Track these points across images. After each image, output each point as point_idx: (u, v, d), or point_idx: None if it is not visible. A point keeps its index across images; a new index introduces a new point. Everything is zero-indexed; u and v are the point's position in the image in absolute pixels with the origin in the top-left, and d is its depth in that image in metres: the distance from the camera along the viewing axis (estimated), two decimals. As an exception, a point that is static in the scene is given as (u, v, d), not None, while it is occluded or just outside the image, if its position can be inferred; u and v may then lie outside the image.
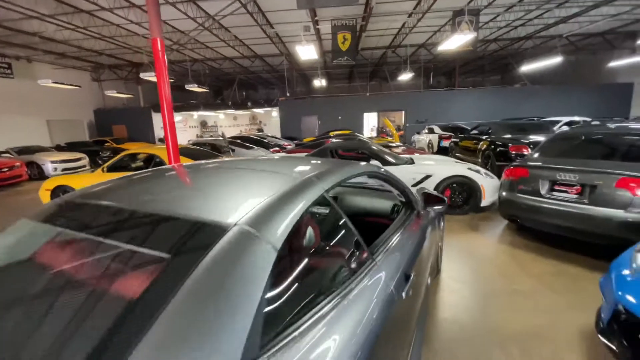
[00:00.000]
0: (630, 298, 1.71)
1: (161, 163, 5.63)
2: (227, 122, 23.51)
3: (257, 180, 1.33)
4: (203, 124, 25.06)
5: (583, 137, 3.85)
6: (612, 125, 3.96)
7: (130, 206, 1.10)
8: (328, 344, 0.86)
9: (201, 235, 0.89)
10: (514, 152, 6.62)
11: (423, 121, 15.86)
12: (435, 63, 18.60)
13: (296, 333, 0.82)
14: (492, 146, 7.45)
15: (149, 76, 10.64)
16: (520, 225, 4.12)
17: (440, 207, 2.22)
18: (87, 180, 5.62)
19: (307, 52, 8.36)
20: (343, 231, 1.34)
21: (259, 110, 22.36)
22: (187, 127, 22.79)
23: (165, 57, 4.98)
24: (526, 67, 15.08)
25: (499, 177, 4.41)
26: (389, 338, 1.16)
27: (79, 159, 11.65)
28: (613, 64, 14.78)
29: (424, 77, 19.35)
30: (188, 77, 15.65)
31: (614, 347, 1.79)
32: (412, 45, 14.90)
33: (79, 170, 11.23)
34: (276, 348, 0.75)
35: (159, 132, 19.44)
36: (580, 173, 3.25)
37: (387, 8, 10.07)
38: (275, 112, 21.76)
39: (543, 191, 3.50)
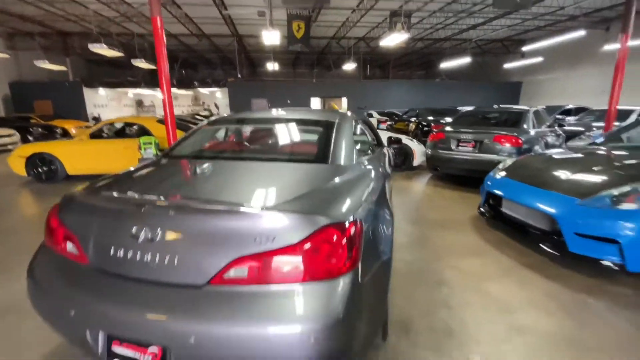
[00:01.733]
0: (489, 183, 3.39)
1: (147, 133, 6.06)
2: (167, 102, 22.65)
3: None
4: (139, 103, 23.65)
5: (475, 115, 5.87)
6: (491, 108, 6.07)
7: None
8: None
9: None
10: (435, 130, 8.68)
11: (363, 107, 17.79)
12: (373, 56, 20.67)
13: None
14: (420, 126, 9.50)
15: (99, 48, 10.29)
16: (440, 174, 5.95)
17: (398, 145, 3.65)
18: (68, 147, 5.86)
19: (271, 37, 9.25)
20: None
21: (203, 91, 22.06)
22: (121, 105, 21.38)
23: (164, 36, 5.43)
24: (445, 65, 17.94)
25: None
26: (381, 203, 2.36)
27: (10, 135, 10.82)
28: (507, 65, 18.47)
29: (362, 68, 21.32)
30: (134, 52, 14.94)
31: (485, 213, 3.47)
32: (354, 38, 16.54)
33: (8, 146, 10.42)
34: None
35: (92, 109, 18.08)
36: (474, 134, 5.09)
37: (336, 2, 11.39)
38: (219, 93, 21.73)
39: (453, 147, 5.28)
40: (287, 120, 2.45)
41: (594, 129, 7.73)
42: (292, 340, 1.01)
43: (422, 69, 27.81)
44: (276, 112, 2.57)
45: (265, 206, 1.17)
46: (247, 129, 2.80)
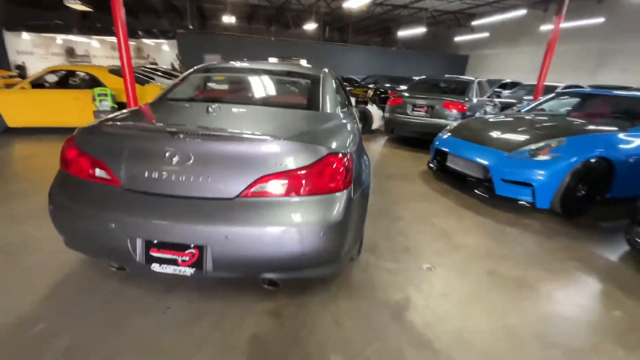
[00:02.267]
0: (437, 142, 3.96)
1: (98, 84, 5.63)
2: (104, 51, 20.18)
3: None
4: (69, 52, 20.74)
5: (429, 83, 6.44)
6: (442, 77, 6.66)
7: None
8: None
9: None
10: (392, 96, 9.20)
11: (322, 71, 17.73)
12: (332, 17, 20.24)
13: None
14: (378, 92, 9.94)
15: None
16: (395, 137, 6.52)
17: (363, 106, 4.01)
18: (8, 97, 5.27)
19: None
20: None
21: (148, 42, 20.00)
22: (49, 53, 18.60)
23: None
24: (401, 33, 18.36)
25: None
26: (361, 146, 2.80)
27: None
28: (458, 38, 19.45)
29: (322, 30, 20.87)
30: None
31: (433, 167, 4.06)
32: (314, -5, 16.00)
33: None
34: None
35: (14, 56, 15.58)
36: (426, 100, 5.65)
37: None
38: (166, 46, 19.89)
39: (409, 112, 5.81)
40: (279, 72, 2.66)
41: (524, 101, 8.85)
42: (307, 234, 1.37)
43: (379, 35, 27.97)
44: (266, 64, 2.76)
45: (283, 137, 1.45)
46: (240, 78, 2.92)
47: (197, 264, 1.40)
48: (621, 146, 3.13)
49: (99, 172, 1.48)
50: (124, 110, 1.89)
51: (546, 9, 15.90)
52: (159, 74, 7.66)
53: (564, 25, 7.09)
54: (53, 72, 5.77)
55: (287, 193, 1.40)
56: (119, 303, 1.73)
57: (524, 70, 16.65)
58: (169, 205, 1.39)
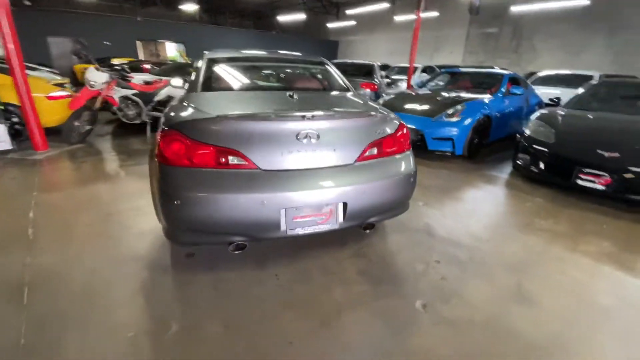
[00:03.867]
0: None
1: None
2: None
3: None
4: None
5: (338, 66, 7.31)
6: (350, 62, 7.67)
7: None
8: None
9: None
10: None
11: (205, 56, 16.70)
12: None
13: None
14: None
15: None
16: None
17: None
18: None
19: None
20: None
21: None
22: None
23: None
24: (279, 18, 18.90)
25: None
26: None
27: None
28: (330, 25, 21.31)
29: (200, 11, 19.32)
30: None
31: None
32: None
33: None
34: None
35: None
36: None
37: None
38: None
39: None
40: (294, 60, 2.94)
41: (400, 81, 10.95)
42: (403, 181, 1.95)
43: (251, 19, 27.69)
44: (270, 53, 3.00)
45: (374, 112, 1.93)
46: (262, 68, 2.98)
47: (332, 220, 1.79)
48: (493, 106, 4.72)
49: (231, 159, 1.63)
50: (184, 104, 1.94)
51: (394, 1, 19.14)
52: None
53: (410, 17, 9.10)
54: None
55: (386, 154, 1.94)
56: (234, 284, 1.91)
57: (380, 55, 19.77)
58: (305, 177, 1.71)
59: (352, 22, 20.62)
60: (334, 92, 2.54)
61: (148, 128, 5.24)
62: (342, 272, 2.04)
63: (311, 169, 1.74)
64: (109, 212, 2.68)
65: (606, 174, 3.06)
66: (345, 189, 1.76)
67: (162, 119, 1.84)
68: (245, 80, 2.66)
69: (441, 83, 6.52)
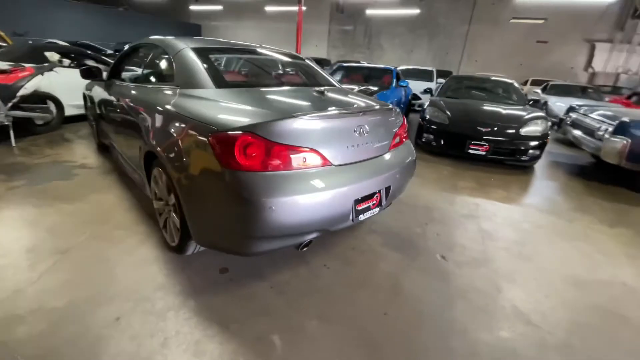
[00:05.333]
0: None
1: None
2: None
3: None
4: None
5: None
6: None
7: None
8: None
9: None
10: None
11: (23, 33, 12.55)
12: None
13: None
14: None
15: None
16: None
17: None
18: None
19: None
20: None
21: None
22: None
23: None
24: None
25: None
26: None
27: None
28: (192, 7, 19.38)
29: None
30: None
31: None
32: None
33: None
34: None
35: None
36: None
37: None
38: None
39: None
40: (284, 55, 2.82)
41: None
42: (414, 162, 2.30)
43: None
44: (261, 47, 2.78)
45: (386, 106, 2.20)
46: (255, 61, 2.74)
47: (379, 203, 1.98)
48: (391, 96, 5.66)
49: (310, 158, 1.60)
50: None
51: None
52: None
53: (281, 9, 9.56)
54: None
55: (401, 141, 2.25)
56: (294, 283, 1.90)
57: (251, 42, 19.60)
58: (365, 168, 1.84)
59: (219, 7, 19.44)
60: (338, 87, 2.62)
61: (11, 132, 3.87)
62: (371, 249, 2.30)
63: (367, 159, 1.90)
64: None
65: (485, 144, 4.33)
66: (389, 174, 1.99)
67: (200, 120, 1.61)
68: (262, 76, 2.54)
69: (337, 77, 7.24)
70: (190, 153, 1.63)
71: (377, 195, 1.96)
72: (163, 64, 2.44)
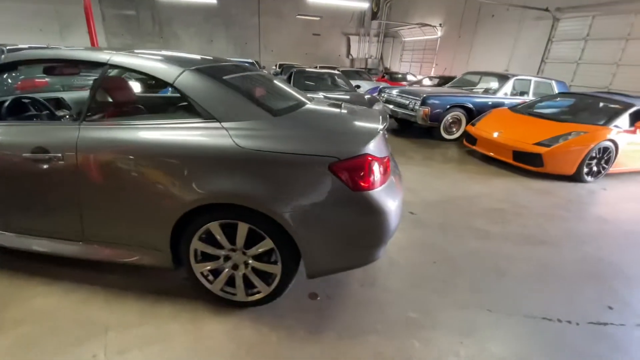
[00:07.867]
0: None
1: None
2: None
3: None
4: None
5: None
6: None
7: None
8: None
9: None
10: None
11: None
12: None
13: None
14: None
15: None
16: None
17: None
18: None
19: None
20: None
21: None
22: None
23: None
24: None
25: None
26: None
27: None
28: None
29: None
30: None
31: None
32: None
33: None
34: None
35: None
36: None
37: None
38: None
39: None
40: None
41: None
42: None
43: None
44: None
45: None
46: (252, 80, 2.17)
47: None
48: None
49: (379, 168, 1.64)
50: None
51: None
52: None
53: None
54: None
55: None
56: (386, 285, 2.15)
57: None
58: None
59: None
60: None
61: None
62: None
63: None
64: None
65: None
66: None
67: (306, 154, 1.53)
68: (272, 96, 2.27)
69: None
70: (303, 189, 1.55)
71: None
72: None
